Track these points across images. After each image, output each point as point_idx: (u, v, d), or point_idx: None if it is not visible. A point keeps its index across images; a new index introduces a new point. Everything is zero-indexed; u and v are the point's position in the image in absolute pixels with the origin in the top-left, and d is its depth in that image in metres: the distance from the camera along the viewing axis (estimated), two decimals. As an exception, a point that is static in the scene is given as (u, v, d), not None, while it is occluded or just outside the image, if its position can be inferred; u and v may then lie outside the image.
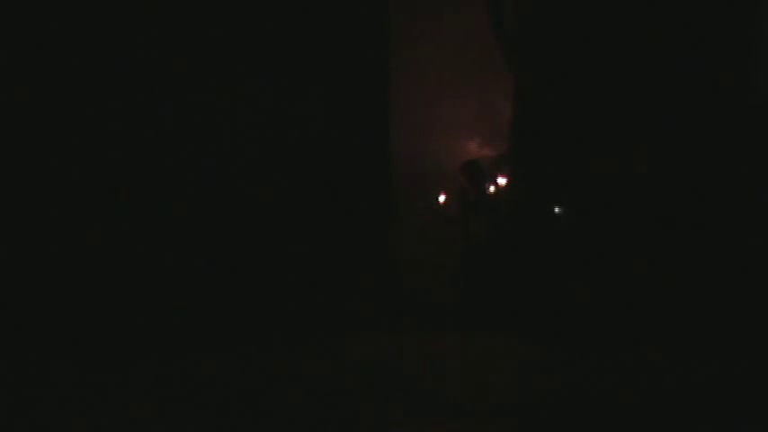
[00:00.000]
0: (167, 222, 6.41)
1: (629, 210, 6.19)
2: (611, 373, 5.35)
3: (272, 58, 6.65)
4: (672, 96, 6.18)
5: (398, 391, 4.91)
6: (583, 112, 6.37)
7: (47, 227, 6.22)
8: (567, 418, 4.50)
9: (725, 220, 6.01)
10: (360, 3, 6.88)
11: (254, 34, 6.61)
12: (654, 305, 6.01)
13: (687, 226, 6.06)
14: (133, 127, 6.38)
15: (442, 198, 6.85)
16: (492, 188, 6.78)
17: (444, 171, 6.92)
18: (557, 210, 6.33)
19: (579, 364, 5.57)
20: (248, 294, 6.48)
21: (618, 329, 5.99)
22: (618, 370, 5.42)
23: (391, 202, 6.89)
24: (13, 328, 5.88)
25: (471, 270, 6.69)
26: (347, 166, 6.86)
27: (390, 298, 6.74)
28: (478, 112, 7.05)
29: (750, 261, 5.90)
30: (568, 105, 6.41)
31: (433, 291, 6.76)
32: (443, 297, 6.72)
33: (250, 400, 4.74)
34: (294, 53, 6.70)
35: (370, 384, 5.07)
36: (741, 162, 6.05)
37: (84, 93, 6.28)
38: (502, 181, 6.76)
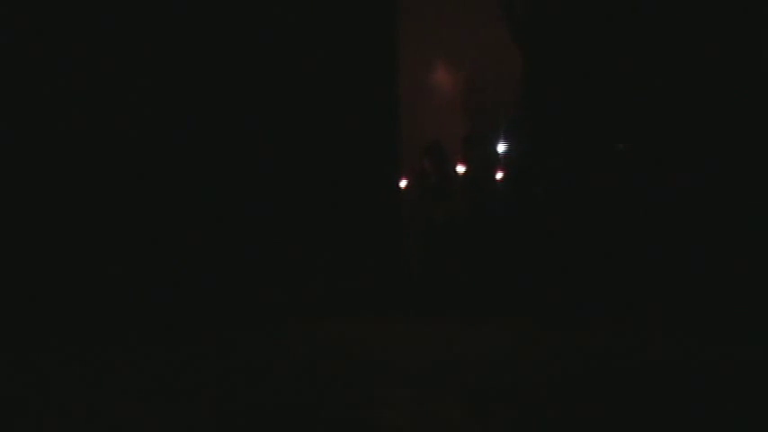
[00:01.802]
0: (171, 210, 6.57)
1: (625, 200, 6.20)
2: (582, 353, 5.37)
3: (274, 52, 6.79)
4: (678, 86, 6.16)
5: (393, 374, 5.01)
6: (590, 101, 6.38)
7: (47, 223, 6.40)
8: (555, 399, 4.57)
9: (721, 203, 5.98)
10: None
11: (258, 19, 6.74)
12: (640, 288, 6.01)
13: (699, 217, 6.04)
14: (141, 125, 6.54)
15: (403, 183, 6.78)
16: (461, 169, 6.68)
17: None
18: (558, 196, 6.33)
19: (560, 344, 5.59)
20: (251, 279, 6.63)
21: (590, 310, 6.00)
22: (590, 349, 5.42)
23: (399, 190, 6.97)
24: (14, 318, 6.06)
25: (432, 254, 6.65)
26: (354, 155, 6.97)
27: (395, 283, 6.81)
28: (485, 96, 7.09)
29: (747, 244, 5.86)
30: (576, 91, 6.43)
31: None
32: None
33: (246, 380, 4.86)
34: (299, 45, 6.83)
35: (366, 366, 5.16)
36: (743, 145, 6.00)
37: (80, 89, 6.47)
38: (461, 169, 6.70)
